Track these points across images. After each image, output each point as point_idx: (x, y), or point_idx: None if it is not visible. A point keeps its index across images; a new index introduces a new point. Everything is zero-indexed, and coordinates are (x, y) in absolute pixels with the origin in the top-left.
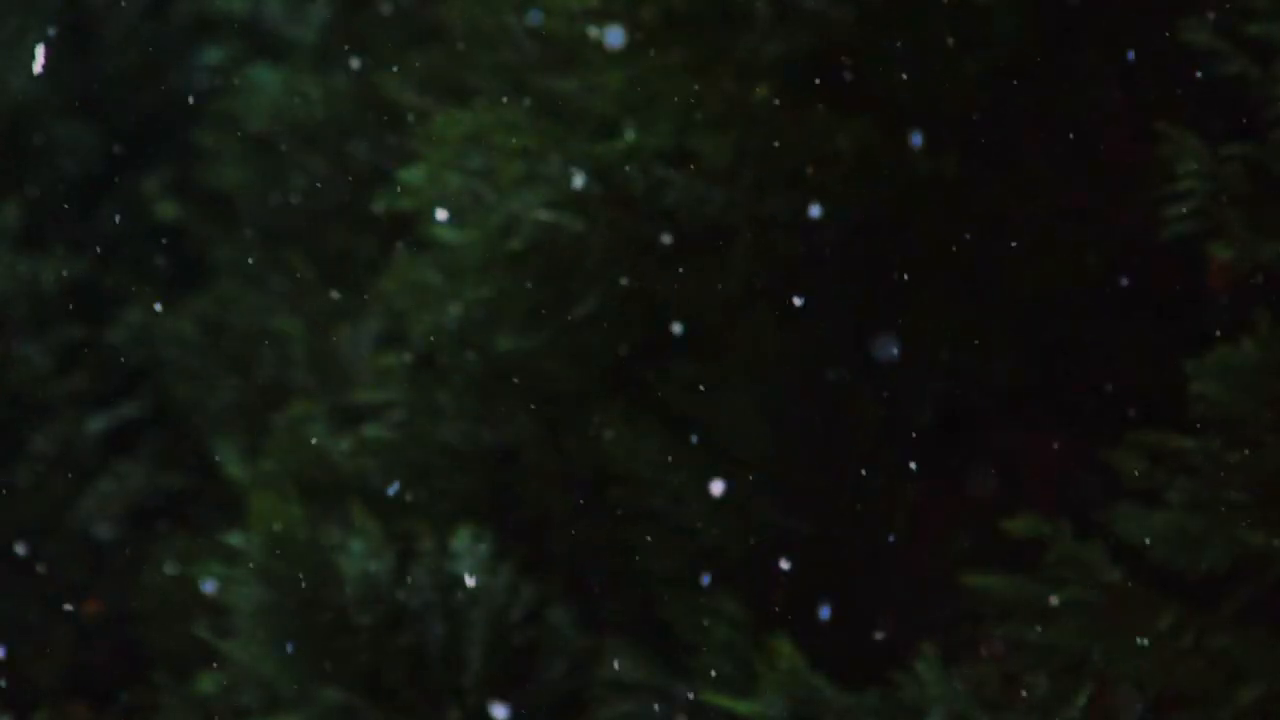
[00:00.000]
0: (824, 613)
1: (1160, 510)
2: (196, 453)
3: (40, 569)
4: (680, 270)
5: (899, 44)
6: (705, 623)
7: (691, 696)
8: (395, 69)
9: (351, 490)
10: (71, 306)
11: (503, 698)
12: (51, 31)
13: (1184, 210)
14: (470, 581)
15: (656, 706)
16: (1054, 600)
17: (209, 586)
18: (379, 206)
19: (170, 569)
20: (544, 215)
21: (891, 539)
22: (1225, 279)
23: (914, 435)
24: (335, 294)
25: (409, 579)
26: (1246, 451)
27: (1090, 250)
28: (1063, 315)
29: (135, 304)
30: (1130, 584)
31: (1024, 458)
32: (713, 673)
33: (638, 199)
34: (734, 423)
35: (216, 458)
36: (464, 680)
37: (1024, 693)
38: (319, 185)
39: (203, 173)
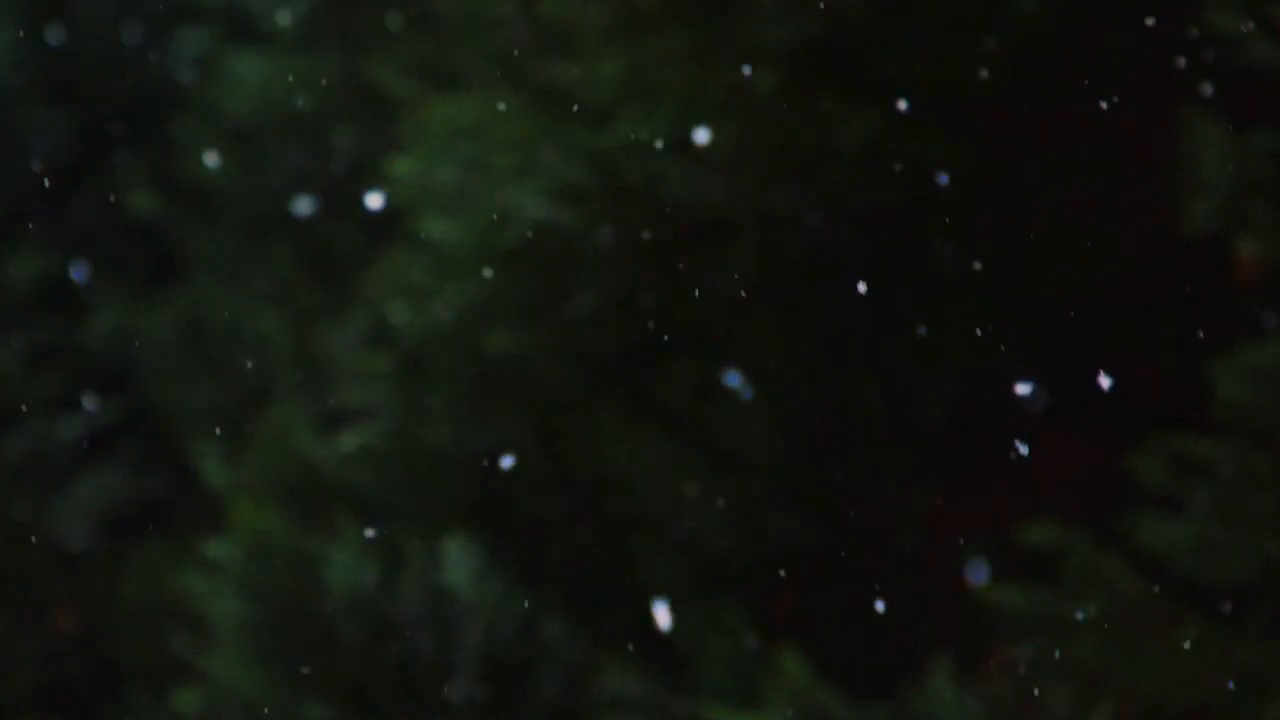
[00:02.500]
0: (831, 624)
1: (1183, 519)
2: (174, 458)
3: (11, 579)
4: (680, 267)
5: (910, 29)
6: (707, 635)
7: (694, 712)
8: (383, 56)
9: (337, 497)
10: (43, 305)
11: (496, 714)
12: (23, 17)
13: (1210, 204)
14: (461, 593)
15: None
16: (1073, 613)
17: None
18: (365, 200)
19: (147, 579)
20: (538, 209)
21: (902, 547)
22: (1252, 276)
23: (925, 440)
24: (319, 292)
25: (397, 590)
26: (1273, 457)
27: (1111, 246)
28: (1082, 313)
29: (110, 302)
30: (1152, 596)
31: (1040, 463)
32: (715, 687)
33: (636, 192)
34: (737, 426)
35: (195, 463)
36: (454, 696)
37: (1042, 708)
38: (303, 178)
39: (181, 165)
